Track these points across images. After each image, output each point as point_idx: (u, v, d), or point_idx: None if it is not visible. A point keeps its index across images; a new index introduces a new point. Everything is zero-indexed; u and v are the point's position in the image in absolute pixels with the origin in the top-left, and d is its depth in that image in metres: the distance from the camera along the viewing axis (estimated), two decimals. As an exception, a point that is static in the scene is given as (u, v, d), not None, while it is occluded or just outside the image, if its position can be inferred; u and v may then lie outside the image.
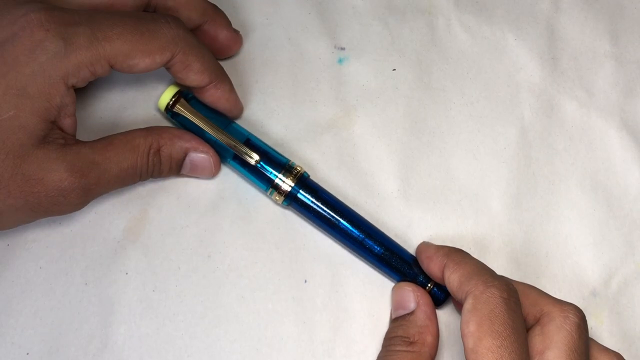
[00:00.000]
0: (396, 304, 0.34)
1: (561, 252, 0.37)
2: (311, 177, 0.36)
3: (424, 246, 0.35)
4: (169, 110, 0.36)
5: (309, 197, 0.35)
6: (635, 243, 0.38)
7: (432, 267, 0.33)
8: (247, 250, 0.36)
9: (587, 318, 0.36)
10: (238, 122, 0.38)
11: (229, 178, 0.37)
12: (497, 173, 0.39)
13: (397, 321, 0.33)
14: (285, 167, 0.35)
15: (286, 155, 0.36)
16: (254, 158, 0.35)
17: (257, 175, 0.35)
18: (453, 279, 0.31)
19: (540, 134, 0.40)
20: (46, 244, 0.35)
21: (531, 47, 0.41)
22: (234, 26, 0.38)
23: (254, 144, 0.35)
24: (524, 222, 0.38)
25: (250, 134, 0.36)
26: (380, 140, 0.39)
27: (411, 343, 0.32)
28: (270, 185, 0.35)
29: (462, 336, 0.29)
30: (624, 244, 0.38)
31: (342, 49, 0.40)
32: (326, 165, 0.38)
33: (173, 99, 0.35)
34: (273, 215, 0.37)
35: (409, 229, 0.37)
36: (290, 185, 0.35)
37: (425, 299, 0.33)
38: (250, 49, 0.40)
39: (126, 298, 0.34)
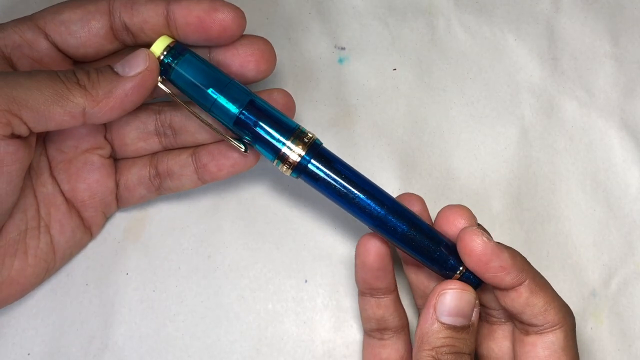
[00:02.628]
0: (456, 310, 0.29)
1: (561, 252, 0.37)
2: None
3: (486, 247, 0.29)
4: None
5: (321, 168, 0.30)
6: (635, 243, 0.38)
7: (506, 279, 0.29)
8: (247, 250, 0.36)
9: (587, 318, 0.36)
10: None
11: (229, 178, 0.37)
12: (498, 173, 0.39)
13: (458, 332, 0.29)
14: (295, 133, 0.30)
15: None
16: (243, 145, 0.31)
17: (261, 143, 0.31)
18: (536, 303, 0.29)
19: (541, 134, 0.40)
20: (46, 244, 0.35)
21: (531, 47, 0.41)
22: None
23: (257, 106, 0.31)
24: (525, 222, 0.38)
25: (253, 94, 0.31)
26: (380, 140, 0.39)
27: (472, 358, 0.29)
28: (276, 156, 0.30)
29: None
30: (624, 244, 0.38)
31: (343, 48, 0.40)
32: (326, 165, 0.38)
33: (164, 54, 0.30)
34: (273, 215, 0.37)
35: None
36: (299, 155, 0.30)
37: (478, 304, 0.30)
38: (251, 49, 0.40)
39: (127, 298, 0.34)
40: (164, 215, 0.36)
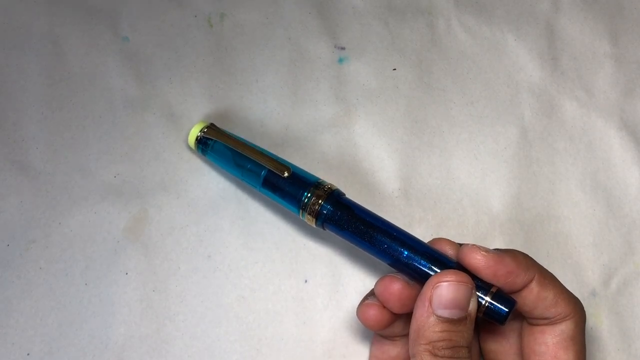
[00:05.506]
0: (452, 303, 0.28)
1: (561, 252, 0.37)
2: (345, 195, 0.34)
3: (488, 259, 0.29)
4: (199, 143, 0.35)
5: (343, 215, 0.32)
6: (634, 243, 0.38)
7: (517, 281, 0.29)
8: (247, 250, 0.36)
9: (587, 318, 0.36)
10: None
11: (230, 178, 0.37)
12: (498, 173, 0.39)
13: (455, 325, 0.28)
14: (314, 185, 0.33)
15: (287, 154, 0.36)
16: (285, 171, 0.33)
17: (286, 198, 0.34)
18: (546, 297, 0.30)
19: (541, 134, 0.40)
20: (46, 244, 0.35)
21: (531, 47, 0.41)
22: (230, 23, 0.38)
23: (273, 178, 0.34)
24: (525, 222, 0.38)
25: (275, 154, 0.35)
26: (380, 140, 0.39)
27: (470, 351, 0.29)
28: (299, 207, 0.33)
29: (553, 358, 0.30)
30: (624, 244, 0.38)
31: (343, 48, 0.40)
32: (327, 165, 0.38)
33: (201, 132, 0.35)
34: (273, 215, 0.37)
35: (410, 229, 0.36)
36: (319, 204, 0.33)
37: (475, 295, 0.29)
38: (251, 49, 0.40)
39: (126, 298, 0.34)
40: (163, 215, 0.36)
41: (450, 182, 0.38)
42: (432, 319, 0.28)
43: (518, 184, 0.38)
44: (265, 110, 0.38)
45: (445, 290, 0.28)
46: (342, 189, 0.37)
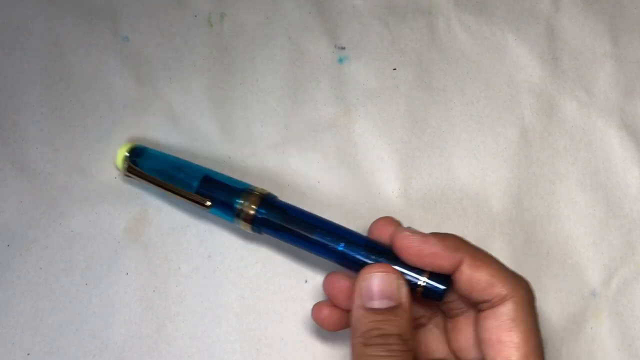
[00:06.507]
0: (380, 293, 0.29)
1: (562, 252, 0.37)
2: (278, 198, 0.34)
3: (412, 240, 0.29)
4: (124, 171, 0.35)
5: (278, 218, 0.32)
6: (635, 243, 0.38)
7: (443, 263, 0.29)
8: (247, 250, 0.36)
9: (587, 318, 0.36)
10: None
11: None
12: (498, 173, 0.39)
13: (383, 314, 0.29)
14: (246, 191, 0.33)
15: (287, 154, 0.36)
16: (205, 203, 0.33)
17: (220, 208, 0.33)
18: (480, 278, 0.29)
19: (541, 134, 0.40)
20: (46, 245, 0.35)
21: (531, 47, 0.41)
22: (230, 23, 0.38)
23: (211, 179, 0.34)
24: (525, 222, 0.38)
25: (207, 169, 0.35)
26: (380, 140, 0.39)
27: (405, 340, 0.28)
28: (234, 215, 0.33)
29: (498, 343, 0.28)
30: (624, 244, 0.38)
31: (343, 48, 0.40)
32: (326, 165, 0.38)
33: (126, 158, 0.35)
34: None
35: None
36: (254, 209, 0.32)
37: (409, 290, 0.29)
38: (251, 49, 0.40)
39: (126, 298, 0.34)
40: (164, 215, 0.36)
41: (450, 182, 0.38)
42: (361, 311, 0.29)
43: (518, 184, 0.38)
44: (265, 110, 0.38)
45: (369, 282, 0.29)
46: (342, 189, 0.37)
